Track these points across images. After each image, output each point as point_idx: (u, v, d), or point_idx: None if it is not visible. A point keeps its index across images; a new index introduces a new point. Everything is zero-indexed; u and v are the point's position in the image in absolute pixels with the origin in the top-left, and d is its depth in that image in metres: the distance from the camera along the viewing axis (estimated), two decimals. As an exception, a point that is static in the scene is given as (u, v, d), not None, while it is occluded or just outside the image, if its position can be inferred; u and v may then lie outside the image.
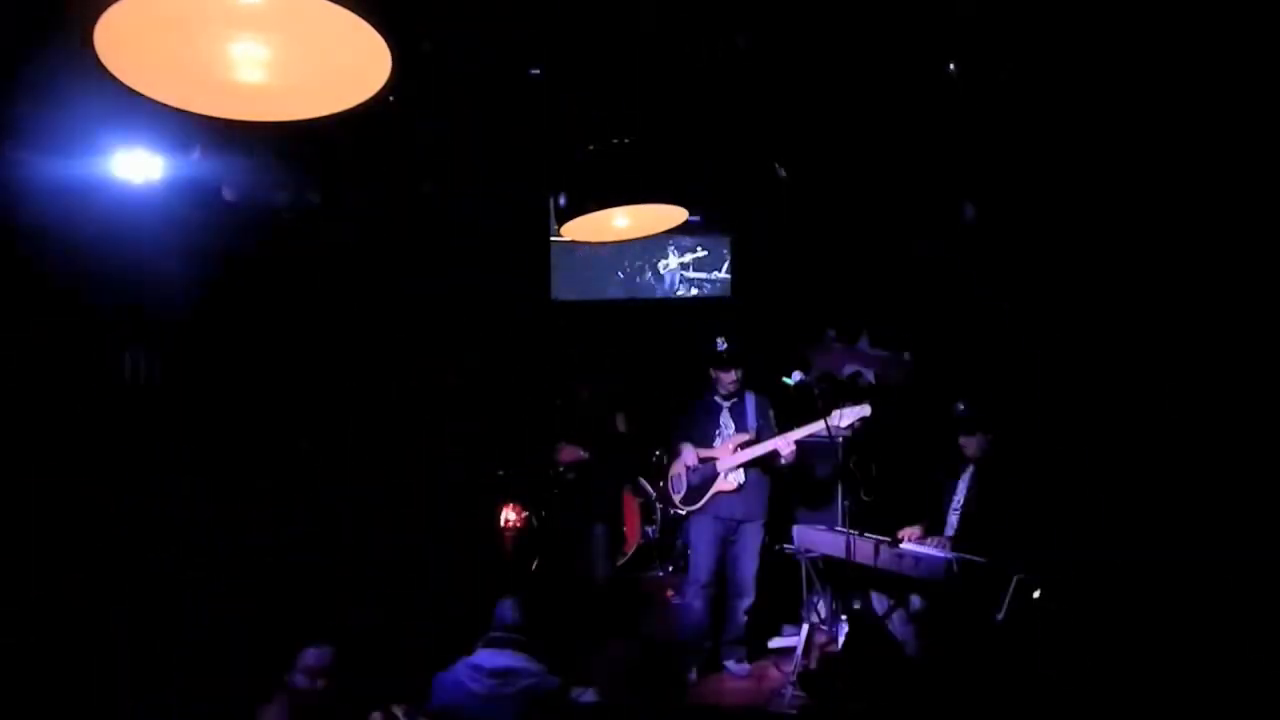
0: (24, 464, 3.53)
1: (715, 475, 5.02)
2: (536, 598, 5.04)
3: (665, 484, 5.33)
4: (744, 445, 5.01)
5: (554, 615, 4.97)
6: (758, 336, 5.96)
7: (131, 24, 1.65)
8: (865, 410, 4.87)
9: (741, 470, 4.99)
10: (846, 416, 4.79)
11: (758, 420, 5.12)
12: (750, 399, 5.16)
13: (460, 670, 3.37)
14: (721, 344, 5.03)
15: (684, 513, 5.19)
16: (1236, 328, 3.76)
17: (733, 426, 5.12)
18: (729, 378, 5.05)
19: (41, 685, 3.34)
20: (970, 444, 4.68)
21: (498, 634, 3.46)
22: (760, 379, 5.23)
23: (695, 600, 5.02)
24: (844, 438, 5.25)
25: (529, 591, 5.05)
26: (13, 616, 3.38)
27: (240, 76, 1.84)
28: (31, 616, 3.44)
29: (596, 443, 5.46)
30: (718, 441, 5.10)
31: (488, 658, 3.38)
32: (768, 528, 5.11)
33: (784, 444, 4.92)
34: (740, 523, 5.02)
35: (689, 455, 5.09)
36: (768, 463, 5.00)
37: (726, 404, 5.15)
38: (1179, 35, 3.10)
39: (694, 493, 5.07)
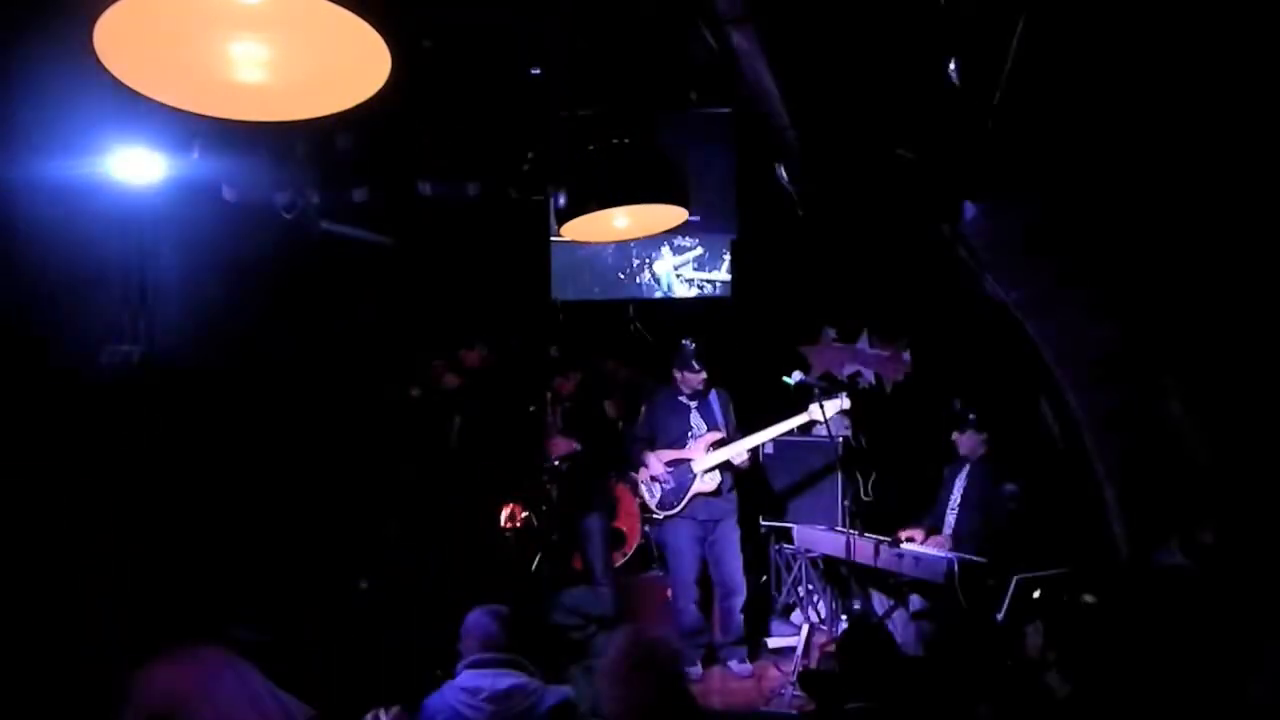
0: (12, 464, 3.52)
1: (691, 477, 4.99)
2: (540, 597, 5.08)
3: (638, 495, 5.31)
4: (717, 444, 4.99)
5: (556, 615, 4.99)
6: (757, 336, 5.96)
7: (131, 24, 1.65)
8: (844, 402, 4.88)
9: (717, 470, 4.97)
10: (827, 408, 4.78)
11: (725, 417, 5.10)
12: (714, 397, 5.14)
13: (450, 695, 2.98)
14: (690, 344, 5.03)
15: (661, 517, 5.16)
16: (1239, 324, 3.75)
17: (704, 426, 5.10)
18: (697, 378, 5.02)
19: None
20: (964, 441, 4.68)
21: (487, 655, 3.06)
22: (731, 377, 5.24)
23: (688, 603, 5.01)
24: (843, 437, 5.25)
25: (528, 593, 5.08)
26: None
27: (240, 76, 1.84)
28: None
29: (587, 431, 5.41)
30: (690, 442, 5.07)
31: (482, 680, 2.99)
32: (742, 522, 5.16)
33: (759, 441, 4.99)
34: (717, 522, 5.02)
35: (654, 464, 5.04)
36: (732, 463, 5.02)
37: (693, 404, 5.11)
38: (1180, 33, 3.10)
39: (670, 496, 5.03)
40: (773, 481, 5.67)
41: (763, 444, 5.26)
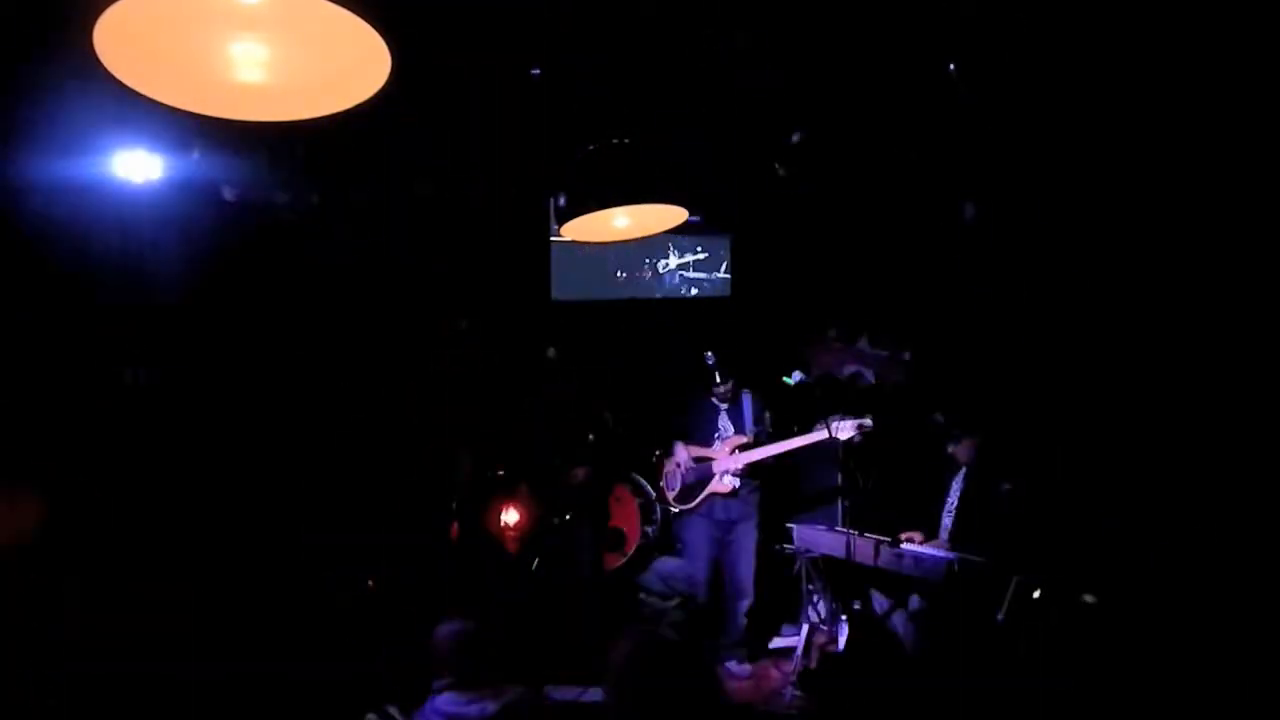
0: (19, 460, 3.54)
1: (710, 476, 5.02)
2: (539, 597, 5.09)
3: (661, 482, 5.36)
4: (742, 448, 5.01)
5: (554, 614, 4.99)
6: (757, 336, 5.96)
7: (131, 24, 1.65)
8: (866, 422, 4.87)
9: (733, 474, 4.99)
10: (844, 430, 4.75)
11: (755, 423, 5.13)
12: (747, 400, 5.16)
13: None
14: (710, 358, 5.04)
15: (677, 511, 5.19)
16: (1234, 329, 3.76)
17: (731, 429, 5.13)
18: (722, 388, 5.07)
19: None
20: (960, 450, 4.68)
21: (468, 679, 2.86)
22: (759, 379, 5.24)
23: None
24: (845, 439, 5.25)
25: (528, 592, 5.09)
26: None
27: (240, 76, 1.84)
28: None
29: (585, 440, 5.45)
30: (716, 443, 5.11)
31: (469, 707, 2.80)
32: (762, 527, 5.12)
33: (781, 450, 4.94)
34: (734, 523, 5.03)
35: (681, 453, 5.11)
36: (761, 465, 5.01)
37: (724, 405, 5.15)
38: (1178, 34, 3.10)
39: (687, 492, 5.07)
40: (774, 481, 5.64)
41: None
